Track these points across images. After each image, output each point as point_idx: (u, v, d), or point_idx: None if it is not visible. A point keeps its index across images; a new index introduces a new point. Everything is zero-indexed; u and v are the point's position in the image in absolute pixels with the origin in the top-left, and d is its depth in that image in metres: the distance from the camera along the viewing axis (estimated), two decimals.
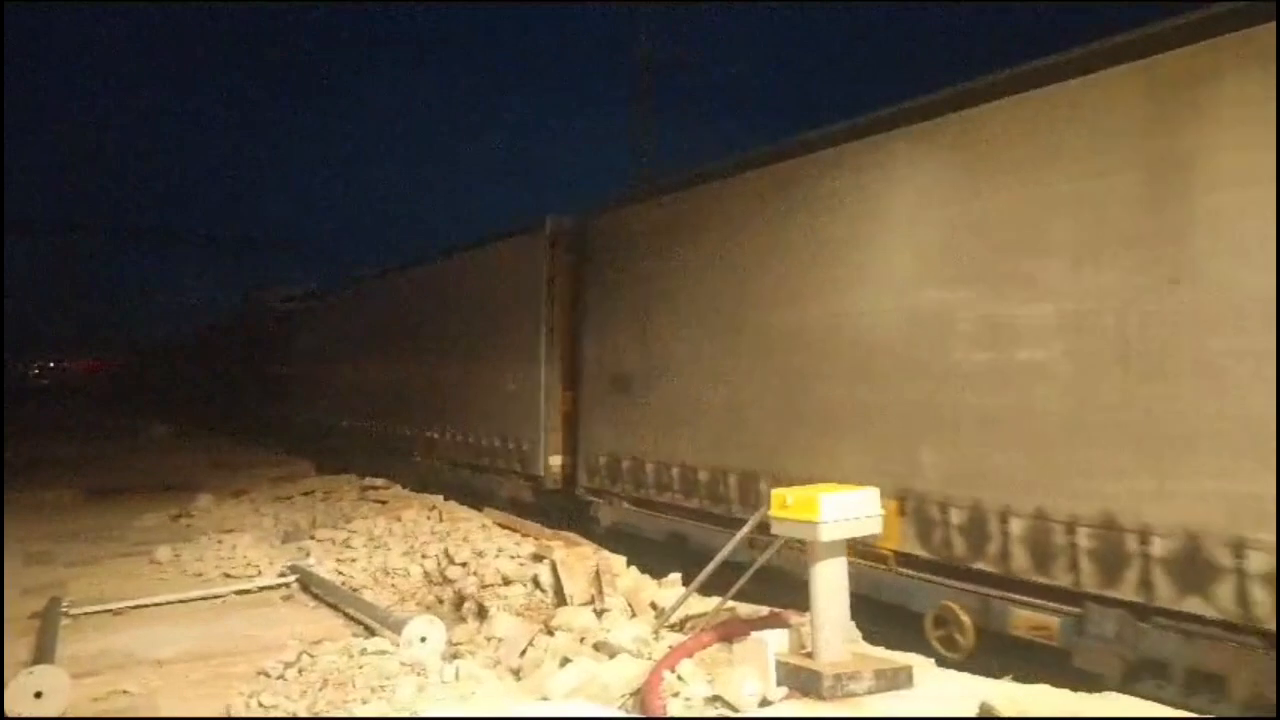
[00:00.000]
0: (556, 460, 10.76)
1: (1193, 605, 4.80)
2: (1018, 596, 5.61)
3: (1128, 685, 4.97)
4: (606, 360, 10.04)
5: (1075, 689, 4.33)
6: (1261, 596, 4.53)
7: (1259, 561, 4.53)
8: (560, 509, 10.56)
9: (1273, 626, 4.48)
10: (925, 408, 6.24)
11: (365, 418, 16.81)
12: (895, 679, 4.36)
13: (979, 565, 5.83)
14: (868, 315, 6.76)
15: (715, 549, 7.90)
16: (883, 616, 5.97)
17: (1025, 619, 5.57)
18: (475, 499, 11.33)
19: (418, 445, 14.53)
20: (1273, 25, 4.62)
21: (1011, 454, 5.69)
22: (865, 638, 5.18)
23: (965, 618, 5.85)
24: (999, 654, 5.63)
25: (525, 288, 11.42)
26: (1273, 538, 4.48)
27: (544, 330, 10.97)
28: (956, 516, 5.96)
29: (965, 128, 6.16)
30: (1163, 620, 4.94)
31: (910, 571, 6.25)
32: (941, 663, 4.86)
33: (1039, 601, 5.51)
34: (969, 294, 6.03)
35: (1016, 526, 5.62)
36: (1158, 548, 4.95)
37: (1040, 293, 5.60)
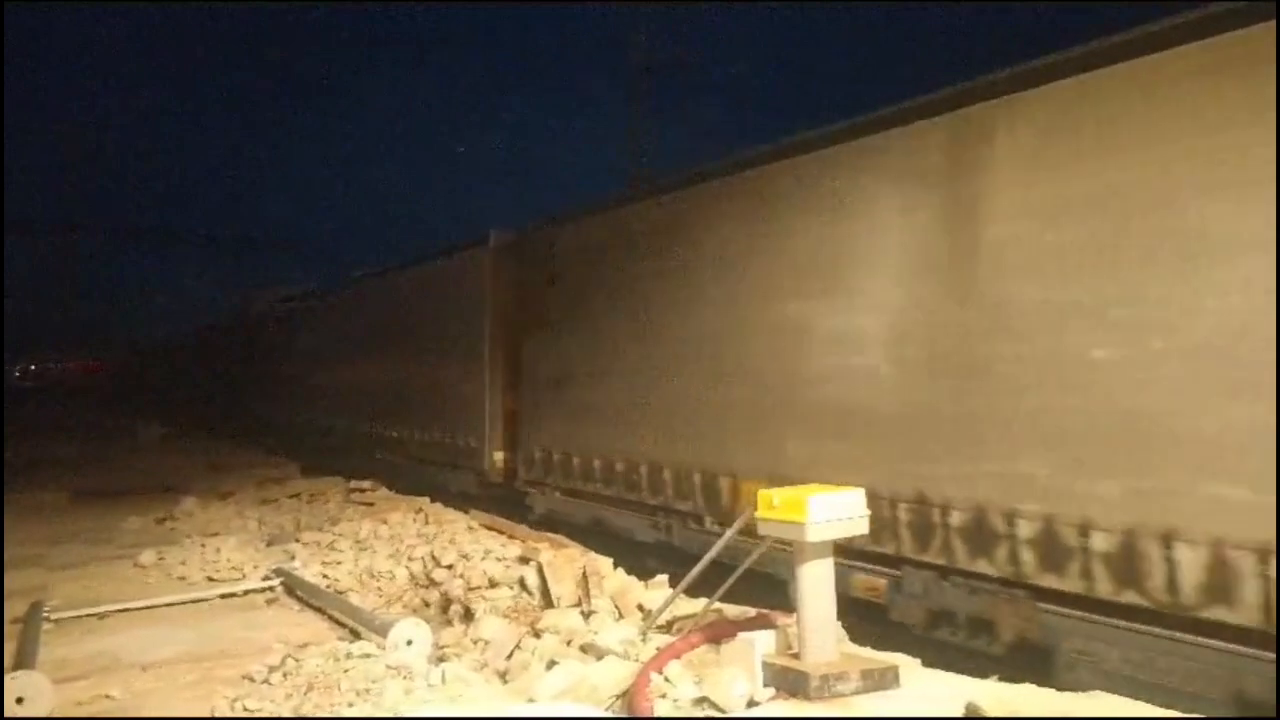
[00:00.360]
0: (499, 455, 11.66)
1: (980, 566, 5.80)
2: (857, 563, 6.55)
3: (928, 632, 6.03)
4: (539, 363, 11.04)
5: (1061, 689, 4.39)
6: (1028, 556, 5.54)
7: (1026, 529, 5.55)
8: (503, 500, 11.37)
9: (1038, 581, 5.45)
10: (787, 404, 7.29)
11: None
12: (882, 679, 4.41)
13: None
14: (740, 327, 7.84)
15: (630, 531, 8.95)
16: (758, 582, 6.49)
17: (862, 582, 6.51)
18: (436, 493, 11.99)
19: (391, 443, 15.25)
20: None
21: (851, 443, 6.71)
22: (851, 637, 5.24)
23: None
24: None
25: (473, 297, 12.31)
26: (1039, 508, 5.45)
27: (488, 335, 11.83)
28: None
29: (822, 167, 7.19)
30: (958, 579, 5.94)
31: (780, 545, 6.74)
32: (927, 662, 4.88)
33: (871, 566, 6.49)
34: (821, 307, 7.05)
35: None
36: (955, 519, 5.96)
37: (870, 309, 6.63)
